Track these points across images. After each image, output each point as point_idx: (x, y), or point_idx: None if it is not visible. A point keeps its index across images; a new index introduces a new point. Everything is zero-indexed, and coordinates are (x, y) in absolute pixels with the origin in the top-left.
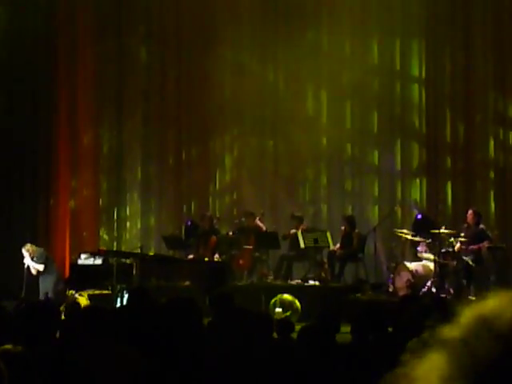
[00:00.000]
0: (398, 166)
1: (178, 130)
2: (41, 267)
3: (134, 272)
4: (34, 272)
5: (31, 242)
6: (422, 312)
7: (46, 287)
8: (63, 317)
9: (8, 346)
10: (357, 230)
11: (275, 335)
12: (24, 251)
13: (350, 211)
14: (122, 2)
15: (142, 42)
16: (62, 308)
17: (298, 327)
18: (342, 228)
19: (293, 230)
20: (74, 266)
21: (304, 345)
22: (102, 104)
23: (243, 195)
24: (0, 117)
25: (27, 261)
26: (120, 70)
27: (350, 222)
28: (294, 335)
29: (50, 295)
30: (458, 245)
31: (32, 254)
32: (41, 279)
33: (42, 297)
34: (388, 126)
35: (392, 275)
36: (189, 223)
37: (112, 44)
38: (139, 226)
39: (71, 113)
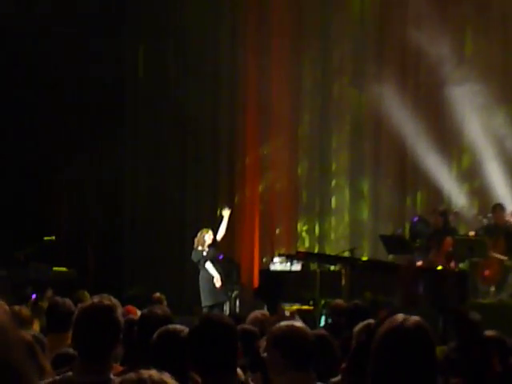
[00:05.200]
0: None
1: None
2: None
3: (343, 282)
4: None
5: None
6: None
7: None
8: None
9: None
10: None
11: None
12: (206, 236)
13: None
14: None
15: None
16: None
17: None
18: None
19: None
20: (265, 272)
21: None
22: None
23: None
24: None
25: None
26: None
27: None
28: None
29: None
30: None
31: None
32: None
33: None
34: None
35: None
36: (416, 220)
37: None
38: (348, 221)
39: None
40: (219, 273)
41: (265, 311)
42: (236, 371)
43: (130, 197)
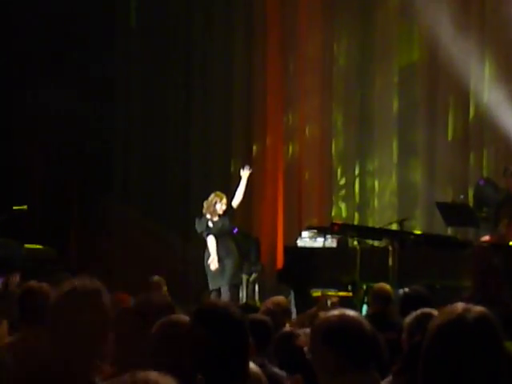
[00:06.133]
0: None
1: None
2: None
3: (390, 262)
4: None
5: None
6: None
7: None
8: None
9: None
10: None
11: None
12: (218, 205)
13: None
14: None
15: None
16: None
17: None
18: None
19: None
20: (292, 249)
21: None
22: None
23: None
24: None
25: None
26: None
27: None
28: None
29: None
30: None
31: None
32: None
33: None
34: None
35: None
36: (482, 183)
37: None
38: (396, 185)
39: None
40: (219, 252)
41: (282, 299)
42: (247, 372)
43: (121, 156)
